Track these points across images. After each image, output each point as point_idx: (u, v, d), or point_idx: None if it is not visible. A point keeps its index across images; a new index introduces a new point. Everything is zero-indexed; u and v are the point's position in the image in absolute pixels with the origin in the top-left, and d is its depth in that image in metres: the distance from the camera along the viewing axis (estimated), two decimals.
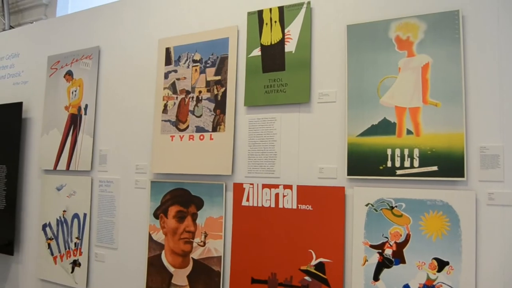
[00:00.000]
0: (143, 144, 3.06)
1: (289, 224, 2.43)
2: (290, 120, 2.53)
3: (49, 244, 3.49)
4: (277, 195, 2.49)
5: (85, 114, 3.40)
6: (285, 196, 2.46)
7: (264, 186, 2.53)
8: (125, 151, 3.16)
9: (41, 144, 3.67)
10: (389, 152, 2.22)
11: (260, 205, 2.53)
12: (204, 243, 2.68)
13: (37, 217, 3.63)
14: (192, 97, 2.85)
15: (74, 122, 3.46)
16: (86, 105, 3.40)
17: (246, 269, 2.53)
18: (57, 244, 3.44)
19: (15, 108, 3.85)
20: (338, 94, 2.41)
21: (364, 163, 2.27)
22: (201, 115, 2.80)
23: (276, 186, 2.49)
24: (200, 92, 2.83)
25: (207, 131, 2.76)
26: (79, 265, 3.27)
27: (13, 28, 4.64)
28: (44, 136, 3.64)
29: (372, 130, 2.27)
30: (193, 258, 2.71)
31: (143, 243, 2.96)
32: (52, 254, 3.46)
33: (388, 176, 2.21)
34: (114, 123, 3.24)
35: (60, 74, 3.64)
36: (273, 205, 2.49)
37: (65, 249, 3.38)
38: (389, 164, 2.21)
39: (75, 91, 3.51)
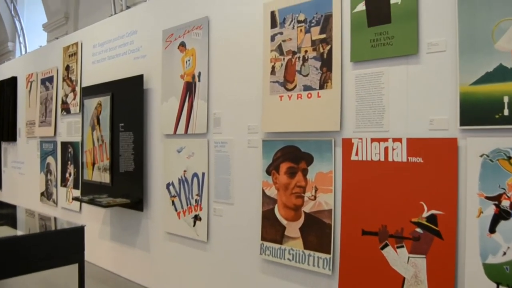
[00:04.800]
0: (254, 106, 3.22)
1: (399, 177, 2.44)
2: (398, 73, 2.50)
3: (173, 201, 3.87)
4: (386, 148, 2.50)
5: (199, 81, 3.65)
6: (394, 149, 2.47)
7: (373, 140, 2.56)
8: (237, 113, 3.36)
9: (161, 111, 4.02)
10: (505, 99, 2.11)
11: (369, 159, 2.57)
12: (315, 197, 2.79)
13: (161, 178, 4.02)
14: (299, 57, 2.93)
15: (189, 89, 3.74)
16: (199, 73, 3.65)
17: (357, 222, 2.60)
18: (180, 201, 3.79)
19: (137, 80, 4.25)
20: (448, 42, 2.33)
21: (478, 112, 2.19)
22: (308, 74, 2.88)
23: (385, 140, 2.51)
24: (306, 51, 2.90)
25: (315, 89, 2.83)
26: (200, 219, 3.59)
27: (130, 8, 5.05)
28: (164, 104, 3.99)
29: (487, 78, 2.18)
30: (304, 212, 2.85)
31: (257, 198, 3.16)
32: (176, 210, 3.83)
33: (505, 125, 2.11)
34: (226, 88, 3.45)
35: (174, 45, 3.93)
36: (382, 159, 2.51)
37: (187, 205, 3.72)
38: (505, 112, 2.11)
39: (189, 60, 3.77)
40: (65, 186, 5.63)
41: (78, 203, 5.26)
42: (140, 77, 4.22)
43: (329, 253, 2.72)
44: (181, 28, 3.87)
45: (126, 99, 4.40)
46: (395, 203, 2.46)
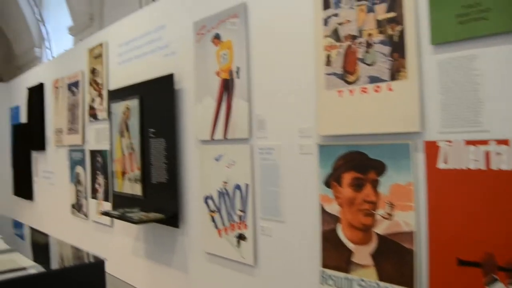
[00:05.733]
0: (306, 104, 2.69)
1: (508, 190, 1.86)
2: (498, 56, 1.92)
3: (212, 217, 3.38)
4: (487, 153, 1.92)
5: (238, 77, 3.14)
6: (499, 154, 1.89)
7: (467, 142, 1.98)
8: (285, 114, 2.83)
9: (195, 113, 3.54)
10: None
11: (464, 167, 1.99)
12: (390, 215, 2.24)
13: (198, 189, 3.54)
14: (361, 43, 2.38)
15: (227, 87, 3.23)
16: (238, 68, 3.14)
17: (450, 248, 2.03)
18: (221, 216, 3.30)
19: (167, 80, 3.79)
20: None
21: None
22: (373, 63, 2.32)
23: (485, 142, 1.93)
24: (370, 35, 2.34)
25: (384, 80, 2.27)
26: (245, 238, 3.09)
27: (155, 0, 4.61)
28: (198, 105, 3.50)
29: None
30: (377, 233, 2.30)
31: (313, 215, 2.63)
32: (216, 227, 3.34)
33: None
34: (271, 84, 2.93)
35: (207, 38, 3.44)
36: (482, 167, 1.94)
37: (229, 222, 3.22)
38: None
39: (225, 54, 3.27)
40: (95, 198, 5.24)
41: None
42: (170, 76, 3.75)
43: (412, 287, 2.16)
44: (214, 19, 3.37)
45: (156, 101, 3.94)
46: (504, 225, 1.88)
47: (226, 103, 3.22)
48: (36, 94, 7.11)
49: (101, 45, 5.10)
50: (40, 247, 2.34)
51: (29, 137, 7.37)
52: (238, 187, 3.14)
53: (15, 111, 8.39)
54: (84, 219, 5.55)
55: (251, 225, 3.04)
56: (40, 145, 6.93)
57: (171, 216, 3.72)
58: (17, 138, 8.16)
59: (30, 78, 7.61)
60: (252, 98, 3.05)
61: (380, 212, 2.28)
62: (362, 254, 2.36)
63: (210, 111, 3.36)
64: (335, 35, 2.51)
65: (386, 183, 2.26)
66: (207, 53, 3.42)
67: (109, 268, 5.00)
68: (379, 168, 2.28)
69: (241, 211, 3.11)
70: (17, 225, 2.82)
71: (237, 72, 3.14)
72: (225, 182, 3.24)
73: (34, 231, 2.55)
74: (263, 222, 2.97)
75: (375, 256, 2.31)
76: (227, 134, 3.21)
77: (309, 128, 2.67)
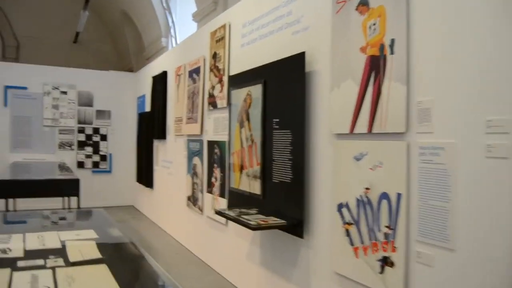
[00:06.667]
0: (499, 87, 1.86)
1: None
2: None
3: (347, 230, 2.69)
4: None
5: (391, 53, 2.40)
6: None
7: None
8: (463, 101, 2.02)
9: (331, 101, 2.87)
10: None
11: None
12: None
13: (330, 194, 2.87)
14: None
15: (375, 66, 2.51)
16: (392, 40, 2.40)
17: None
18: (359, 231, 2.60)
19: (297, 61, 3.17)
20: None
21: None
22: None
23: None
24: None
25: None
26: (392, 264, 2.35)
27: None
28: (335, 90, 2.83)
29: None
30: None
31: (507, 248, 1.80)
32: (351, 244, 2.65)
33: None
34: (442, 59, 2.13)
35: (351, 7, 2.74)
36: None
37: (370, 239, 2.51)
38: None
39: (374, 24, 2.54)
40: (210, 192, 4.86)
41: None
42: (301, 55, 3.12)
43: None
44: None
45: (282, 87, 3.35)
46: None
47: (374, 86, 2.50)
48: (159, 82, 7.04)
49: (223, 26, 4.67)
50: (132, 262, 1.90)
51: (151, 125, 7.37)
52: (385, 196, 2.40)
53: (141, 100, 8.51)
54: (199, 213, 5.21)
55: (402, 248, 2.29)
56: (161, 134, 6.84)
57: (294, 223, 3.10)
58: (141, 126, 8.26)
59: (155, 67, 7.60)
60: (412, 80, 2.29)
61: None
62: None
63: (350, 98, 2.66)
64: None
65: None
66: (350, 25, 2.73)
67: (221, 270, 4.61)
68: None
69: (388, 227, 2.38)
70: (117, 226, 2.44)
71: (391, 46, 2.40)
72: (367, 189, 2.52)
73: (132, 242, 2.13)
74: (421, 246, 2.20)
75: None
76: (374, 127, 2.49)
77: (504, 120, 1.84)
